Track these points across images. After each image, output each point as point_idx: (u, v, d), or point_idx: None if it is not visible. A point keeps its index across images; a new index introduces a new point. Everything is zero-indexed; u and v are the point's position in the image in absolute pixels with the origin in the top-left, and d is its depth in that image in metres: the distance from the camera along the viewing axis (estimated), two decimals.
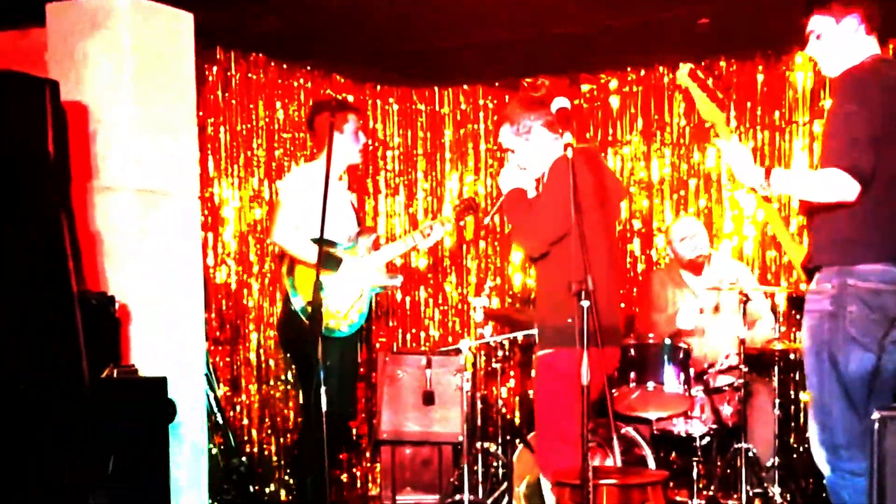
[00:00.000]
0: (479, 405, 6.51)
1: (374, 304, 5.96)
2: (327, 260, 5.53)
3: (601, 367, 4.13)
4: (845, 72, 3.94)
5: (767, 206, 4.27)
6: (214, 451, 5.93)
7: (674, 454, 6.26)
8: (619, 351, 4.97)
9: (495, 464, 6.54)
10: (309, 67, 7.27)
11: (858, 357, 3.88)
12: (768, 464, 5.81)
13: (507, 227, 4.80)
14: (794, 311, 6.89)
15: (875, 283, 3.84)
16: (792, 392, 6.85)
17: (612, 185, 4.82)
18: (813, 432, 4.05)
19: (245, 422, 6.83)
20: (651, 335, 5.87)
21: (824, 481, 4.10)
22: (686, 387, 5.59)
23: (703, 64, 6.97)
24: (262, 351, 6.95)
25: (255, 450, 6.86)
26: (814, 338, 3.97)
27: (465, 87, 7.98)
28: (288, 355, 6.35)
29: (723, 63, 7.12)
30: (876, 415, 3.77)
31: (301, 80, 7.26)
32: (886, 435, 3.73)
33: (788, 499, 5.74)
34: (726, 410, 5.82)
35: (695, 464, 5.68)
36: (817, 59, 4.12)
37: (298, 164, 6.94)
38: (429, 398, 6.55)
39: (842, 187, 3.77)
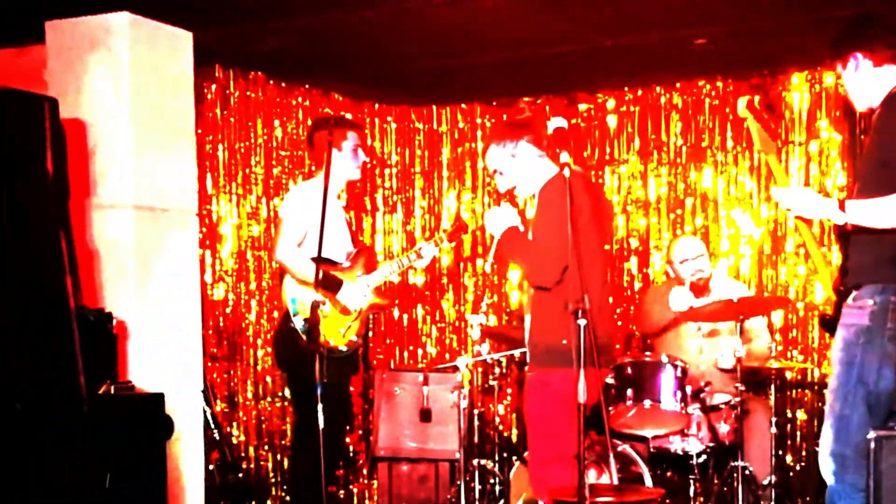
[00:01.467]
0: (475, 422, 6.52)
1: (371, 324, 5.96)
2: (328, 280, 5.54)
3: (596, 386, 4.15)
4: (883, 99, 4.02)
5: (803, 226, 4.30)
6: (211, 466, 5.93)
7: (670, 472, 6.25)
8: (614, 369, 4.98)
9: (492, 481, 6.53)
10: (307, 86, 7.30)
11: (890, 375, 3.93)
12: (765, 482, 5.81)
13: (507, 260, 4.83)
14: (791, 330, 6.91)
15: None
16: (789, 410, 6.86)
17: (604, 206, 4.85)
18: (825, 442, 4.08)
19: (242, 438, 6.83)
20: (647, 353, 5.87)
21: (826, 493, 4.12)
22: (683, 405, 5.58)
23: (755, 84, 7.00)
24: (259, 367, 6.95)
25: (252, 466, 6.85)
26: (847, 350, 4.02)
27: (463, 105, 8.01)
28: (284, 373, 6.35)
29: (720, 83, 7.16)
30: (872, 434, 3.79)
31: (299, 99, 7.28)
32: (882, 455, 3.76)
33: None
34: (723, 428, 5.82)
35: (691, 482, 5.68)
36: (847, 89, 4.23)
37: (297, 182, 6.97)
38: (426, 415, 6.55)
39: None
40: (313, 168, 6.10)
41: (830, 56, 4.27)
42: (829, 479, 4.07)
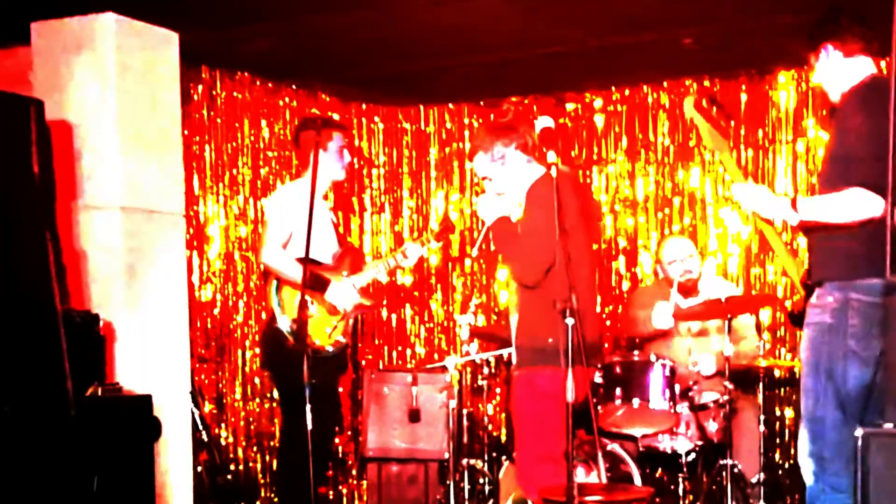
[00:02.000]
0: (465, 422, 6.52)
1: (359, 324, 5.96)
2: (315, 280, 5.53)
3: (583, 385, 4.15)
4: (848, 91, 4.03)
5: (764, 224, 4.30)
6: (199, 468, 5.91)
7: (659, 471, 6.26)
8: (602, 368, 4.99)
9: (481, 481, 6.54)
10: (294, 86, 7.29)
11: (857, 371, 3.92)
12: (753, 480, 5.82)
13: (494, 250, 4.79)
14: (779, 328, 6.92)
15: (877, 298, 3.88)
16: (777, 409, 6.87)
17: (592, 206, 4.85)
18: (803, 443, 4.08)
19: (230, 439, 6.82)
20: (636, 352, 5.87)
21: (806, 494, 4.13)
22: (671, 403, 5.59)
23: (700, 86, 7.01)
24: (247, 369, 6.94)
25: (241, 467, 6.84)
26: (813, 350, 4.02)
27: (451, 105, 8.01)
28: (271, 373, 6.34)
29: (707, 82, 7.17)
30: (859, 431, 3.79)
31: (286, 99, 7.27)
32: (870, 453, 3.76)
33: None
34: (712, 427, 5.83)
35: (680, 480, 5.68)
36: (820, 79, 4.24)
37: (284, 183, 6.95)
38: (415, 415, 6.55)
39: (867, 204, 3.83)
40: (299, 168, 6.10)
41: (806, 49, 4.29)
42: (809, 479, 4.08)
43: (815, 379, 4.01)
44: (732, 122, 6.95)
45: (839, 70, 4.14)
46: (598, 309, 6.27)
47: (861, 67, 4.11)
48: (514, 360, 4.74)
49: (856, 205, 3.85)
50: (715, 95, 6.69)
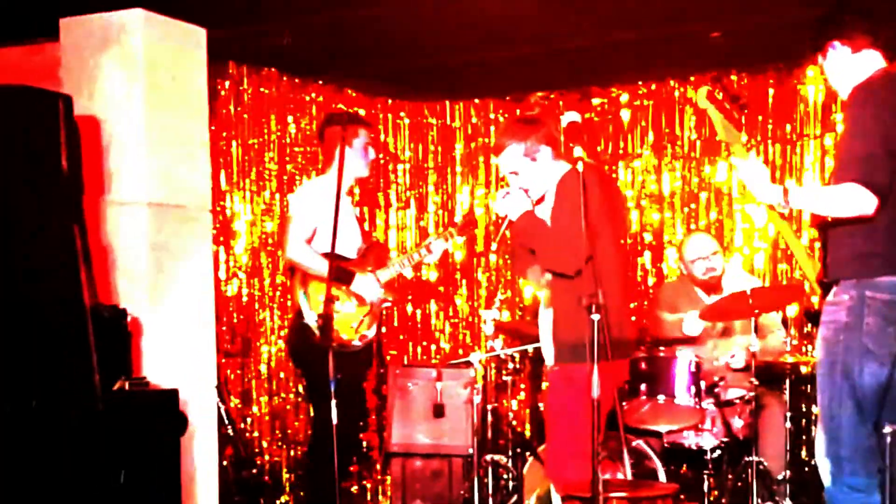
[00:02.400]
0: (489, 418, 6.51)
1: (384, 318, 5.97)
2: (340, 275, 5.55)
3: (613, 381, 4.14)
4: (857, 86, 3.98)
5: (780, 221, 4.28)
6: (225, 462, 5.94)
7: (684, 467, 6.24)
8: (629, 363, 4.97)
9: (505, 476, 6.53)
10: (321, 82, 7.31)
11: (873, 369, 3.88)
12: (779, 477, 5.79)
13: (522, 245, 4.78)
14: (806, 324, 6.88)
15: (893, 296, 3.85)
16: (803, 405, 6.84)
17: (619, 200, 4.83)
18: (819, 443, 4.06)
19: (256, 434, 6.85)
20: (662, 348, 5.86)
21: (824, 494, 4.11)
22: (697, 399, 5.57)
23: (714, 76, 6.96)
24: (273, 363, 6.97)
25: (266, 462, 6.87)
26: (828, 349, 3.98)
27: (476, 101, 8.00)
28: (298, 368, 6.36)
29: (734, 77, 7.13)
30: (888, 429, 3.77)
31: (313, 95, 7.29)
32: None
33: None
34: (737, 423, 5.80)
35: (705, 477, 5.66)
36: (829, 78, 4.20)
37: (310, 178, 6.97)
38: (439, 411, 6.55)
39: (859, 201, 3.79)
40: (324, 163, 6.11)
41: (811, 48, 4.25)
42: (827, 480, 4.03)
43: (831, 378, 3.97)
44: (745, 111, 6.92)
45: (848, 66, 4.10)
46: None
47: (870, 62, 4.06)
48: (547, 356, 4.72)
49: (847, 201, 3.82)
50: (728, 86, 6.66)
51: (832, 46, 4.12)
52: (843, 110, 4.13)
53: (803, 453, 6.79)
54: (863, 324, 3.88)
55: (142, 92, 5.08)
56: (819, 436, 4.06)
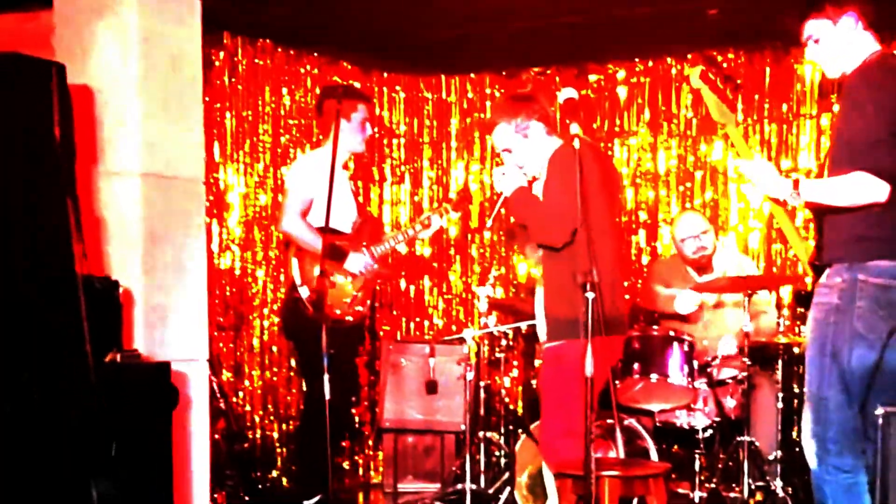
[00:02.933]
0: (481, 394, 6.51)
1: (377, 294, 5.95)
2: (334, 253, 5.53)
3: (606, 359, 4.13)
4: (855, 70, 3.95)
5: (775, 205, 4.26)
6: (217, 436, 5.93)
7: (676, 446, 6.25)
8: (623, 341, 4.97)
9: (497, 453, 6.54)
10: (316, 54, 7.26)
11: (862, 353, 3.88)
12: (770, 457, 5.81)
13: (514, 220, 4.78)
14: (798, 305, 6.88)
15: (886, 280, 3.84)
16: (795, 386, 6.84)
17: (614, 177, 4.82)
18: (806, 424, 4.06)
19: (248, 408, 6.84)
20: (655, 327, 5.85)
21: (811, 476, 4.11)
22: (690, 379, 5.58)
23: (707, 56, 6.94)
24: (265, 337, 6.95)
25: (258, 436, 6.86)
26: (818, 330, 3.98)
27: (472, 75, 7.96)
28: (291, 343, 6.35)
29: (731, 55, 7.10)
30: (880, 410, 3.77)
31: (308, 67, 7.24)
32: (891, 432, 3.74)
33: (790, 492, 5.74)
34: (729, 403, 5.81)
35: (697, 456, 5.67)
36: (819, 63, 4.16)
37: (304, 151, 6.93)
38: (432, 387, 6.56)
39: (872, 190, 3.78)
40: (320, 137, 6.08)
41: (796, 43, 4.20)
42: (813, 461, 4.04)
43: (820, 359, 3.97)
44: (740, 91, 6.90)
45: (832, 41, 4.03)
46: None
47: (866, 44, 4.02)
48: (540, 334, 4.72)
49: (859, 189, 3.80)
50: (721, 66, 6.64)
51: (806, 29, 4.08)
52: (842, 93, 4.09)
53: (794, 434, 6.79)
54: (854, 307, 3.88)
55: (136, 61, 5.03)
56: (805, 417, 4.06)
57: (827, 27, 4.03)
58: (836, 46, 4.03)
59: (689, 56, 7.22)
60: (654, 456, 5.52)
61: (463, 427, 6.38)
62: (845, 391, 3.92)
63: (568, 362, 4.40)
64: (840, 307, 3.91)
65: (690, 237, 6.15)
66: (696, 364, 5.63)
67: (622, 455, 4.96)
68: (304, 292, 5.49)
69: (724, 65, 6.95)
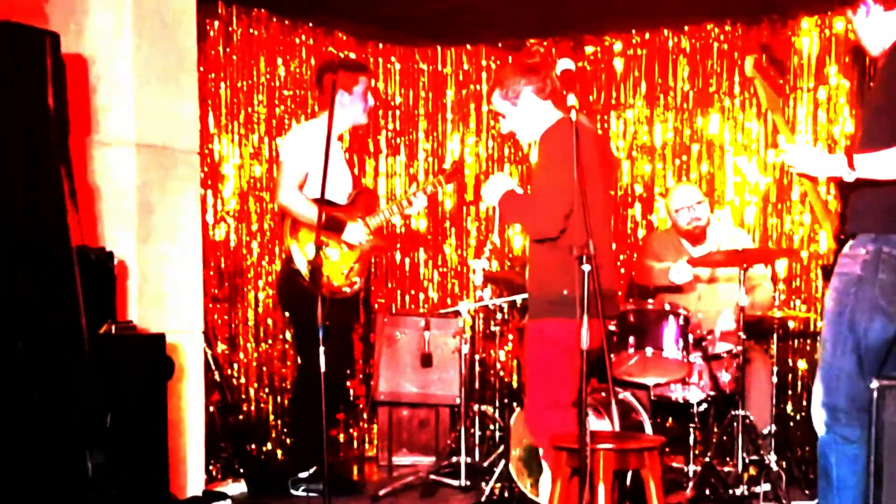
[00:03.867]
0: (477, 368, 6.51)
1: (373, 266, 5.94)
2: (331, 222, 5.52)
3: (597, 335, 4.13)
4: (893, 44, 3.95)
5: (807, 181, 4.28)
6: (211, 408, 5.93)
7: (671, 420, 6.26)
8: (609, 322, 4.99)
9: (492, 427, 6.55)
10: (311, 24, 7.21)
11: (881, 325, 3.90)
12: (765, 431, 5.82)
13: (509, 223, 4.82)
14: (794, 279, 6.88)
15: None
16: (790, 360, 6.85)
17: (607, 153, 4.83)
18: (817, 392, 4.08)
19: (242, 380, 6.83)
20: (650, 301, 5.85)
21: (818, 443, 4.13)
22: (685, 353, 5.57)
23: (761, 44, 6.89)
24: (260, 309, 6.94)
25: (253, 408, 6.86)
26: (838, 300, 4.00)
27: (468, 47, 7.92)
28: (287, 315, 6.34)
29: (728, 27, 7.07)
30: (875, 384, 3.78)
31: (303, 37, 7.20)
32: (885, 405, 3.75)
33: (784, 466, 5.75)
34: (724, 377, 5.81)
35: (691, 430, 5.68)
36: (862, 38, 4.16)
37: (299, 122, 6.89)
38: (427, 360, 6.55)
39: None
40: (317, 108, 6.05)
41: (841, 2, 4.21)
42: (821, 429, 4.08)
43: (837, 328, 3.99)
44: (787, 73, 6.88)
45: (880, 24, 4.07)
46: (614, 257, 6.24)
47: None
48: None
49: None
50: (774, 54, 6.62)
51: (864, 3, 4.09)
52: (880, 67, 4.09)
53: (789, 408, 6.82)
54: (876, 278, 3.89)
55: (130, 31, 5.00)
56: (816, 385, 4.09)
57: (879, 11, 4.07)
58: (872, 30, 4.09)
59: (686, 28, 7.18)
60: (648, 429, 5.52)
61: (458, 400, 6.39)
62: (859, 362, 3.95)
63: (551, 338, 4.44)
64: (862, 278, 3.92)
65: (685, 207, 6.15)
66: (691, 338, 5.63)
67: (617, 428, 4.96)
68: (301, 264, 5.48)
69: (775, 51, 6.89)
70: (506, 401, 6.63)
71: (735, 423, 5.56)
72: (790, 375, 6.85)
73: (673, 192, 6.36)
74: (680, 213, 6.18)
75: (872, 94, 4.13)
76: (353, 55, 7.38)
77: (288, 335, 6.94)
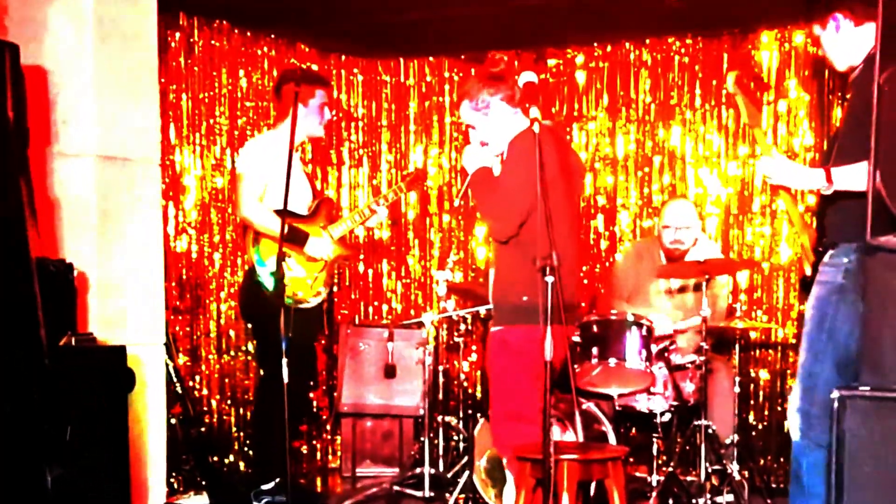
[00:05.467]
0: (440, 379, 6.51)
1: (336, 277, 5.93)
2: (294, 233, 5.50)
3: (561, 344, 4.14)
4: (866, 57, 3.99)
5: (785, 194, 4.33)
6: (173, 420, 5.88)
7: (634, 430, 6.28)
8: (574, 330, 5.01)
9: (456, 437, 6.54)
10: (273, 36, 7.20)
11: (861, 334, 3.92)
12: (727, 441, 5.85)
13: (472, 202, 4.82)
14: (755, 290, 6.93)
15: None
16: (752, 370, 6.90)
17: (574, 162, 4.83)
18: (794, 398, 4.12)
19: (204, 392, 6.79)
20: (613, 311, 5.87)
21: (782, 458, 4.16)
22: (648, 363, 5.59)
23: (742, 61, 6.94)
24: (222, 321, 6.90)
25: (215, 420, 6.82)
26: (819, 307, 4.03)
27: (431, 59, 7.93)
28: (249, 326, 6.31)
29: (689, 41, 7.12)
30: (836, 393, 3.80)
31: (265, 49, 7.18)
32: (846, 415, 3.77)
33: (746, 475, 5.79)
34: (688, 388, 5.84)
35: (655, 440, 5.70)
36: (826, 50, 4.19)
37: (262, 133, 6.87)
38: (390, 371, 6.54)
39: None
40: (276, 119, 6.03)
41: (806, 18, 4.25)
42: (796, 434, 4.11)
43: (817, 335, 4.03)
44: (767, 89, 6.94)
45: (850, 40, 4.10)
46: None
47: (871, 35, 4.06)
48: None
49: None
50: (755, 70, 6.68)
51: (834, 19, 4.11)
52: (851, 82, 4.14)
53: (751, 418, 6.86)
54: (858, 287, 3.91)
55: (90, 43, 4.96)
56: (794, 391, 4.13)
57: (849, 27, 4.10)
58: (851, 45, 4.11)
59: (648, 41, 7.23)
60: (612, 440, 5.54)
61: (421, 411, 6.38)
62: (837, 370, 3.98)
63: (513, 346, 4.44)
64: (844, 286, 3.97)
65: (672, 227, 6.17)
66: (654, 348, 5.66)
67: (581, 439, 4.97)
68: (264, 275, 5.46)
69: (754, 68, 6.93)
70: (469, 411, 6.62)
71: (698, 433, 5.59)
72: (752, 385, 6.90)
73: (667, 205, 6.36)
74: (666, 231, 6.20)
75: (851, 106, 4.16)
76: (315, 67, 7.37)
77: (250, 346, 6.91)
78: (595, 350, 5.58)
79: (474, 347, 7.43)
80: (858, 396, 3.65)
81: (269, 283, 5.46)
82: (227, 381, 6.92)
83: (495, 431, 4.72)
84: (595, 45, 7.42)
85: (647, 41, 7.25)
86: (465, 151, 4.73)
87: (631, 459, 5.91)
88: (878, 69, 3.16)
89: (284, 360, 4.39)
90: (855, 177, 3.93)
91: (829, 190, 3.99)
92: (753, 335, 6.86)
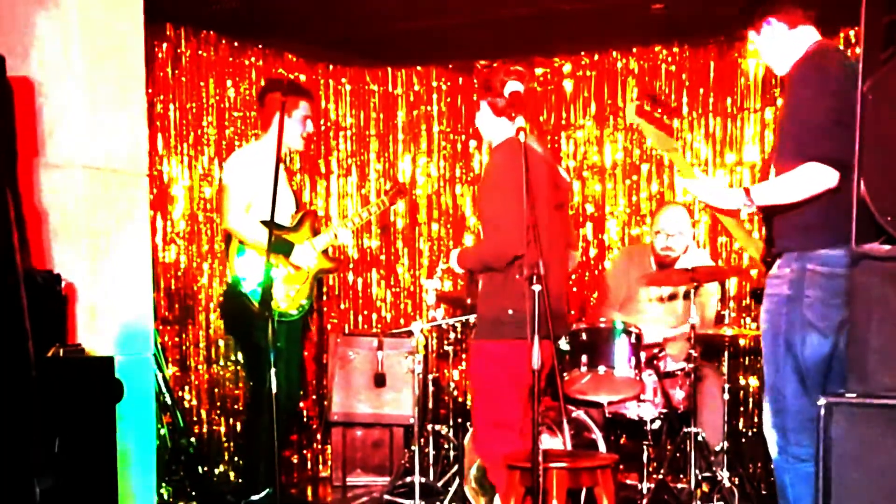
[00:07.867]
0: (430, 387, 6.51)
1: (321, 287, 5.93)
2: (280, 244, 5.50)
3: (545, 354, 4.15)
4: (797, 61, 3.99)
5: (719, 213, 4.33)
6: (163, 431, 5.87)
7: (624, 438, 6.29)
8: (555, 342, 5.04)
9: (446, 446, 6.54)
10: (261, 46, 7.20)
11: (815, 342, 3.92)
12: (717, 448, 5.86)
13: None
14: (745, 297, 6.94)
15: (833, 268, 3.88)
16: (741, 378, 6.91)
17: (556, 173, 4.86)
18: (766, 415, 4.10)
19: (194, 402, 6.78)
20: (602, 319, 5.87)
21: (772, 465, 4.16)
22: (637, 371, 5.60)
23: (639, 88, 6.99)
24: (211, 331, 6.89)
25: (204, 430, 6.81)
26: (771, 322, 4.02)
27: (419, 68, 7.94)
28: (232, 337, 6.30)
29: (675, 49, 7.15)
30: (822, 401, 3.80)
31: (252, 59, 7.18)
32: (832, 422, 3.77)
33: (736, 482, 5.79)
34: (678, 395, 5.85)
35: (645, 447, 5.71)
36: (763, 55, 4.23)
37: (249, 143, 6.87)
38: (380, 380, 6.54)
39: (821, 178, 3.83)
40: (259, 128, 6.04)
41: (743, 24, 4.26)
42: (774, 452, 4.10)
43: (775, 350, 4.02)
44: (675, 109, 6.96)
45: (784, 42, 4.11)
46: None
47: (805, 36, 4.08)
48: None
49: (810, 181, 3.85)
50: (656, 95, 6.67)
51: (767, 23, 4.13)
52: (785, 87, 4.14)
53: (741, 425, 6.87)
54: (804, 296, 3.92)
55: (77, 53, 4.95)
56: (765, 408, 4.11)
57: (765, 35, 4.13)
58: (777, 50, 4.13)
59: (635, 50, 7.25)
60: (602, 447, 5.54)
61: (412, 420, 6.37)
62: (801, 381, 3.97)
63: (493, 356, 4.46)
64: (791, 297, 3.95)
65: (663, 233, 6.18)
66: (643, 356, 5.66)
67: (570, 447, 4.97)
68: (249, 287, 5.46)
69: (655, 92, 6.96)
70: (460, 420, 6.62)
71: (688, 440, 5.60)
72: (742, 393, 6.91)
73: (661, 211, 6.35)
74: (658, 237, 6.21)
75: (781, 113, 4.19)
76: (303, 77, 7.37)
77: (240, 356, 6.90)
78: (584, 358, 5.58)
79: (464, 356, 7.43)
80: (845, 404, 3.66)
81: (253, 294, 5.45)
82: (216, 391, 6.91)
83: (479, 441, 4.72)
84: (582, 53, 7.45)
85: (634, 50, 7.28)
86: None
87: (621, 467, 5.91)
88: (861, 77, 3.16)
89: (272, 371, 4.38)
90: (775, 192, 3.97)
91: (751, 208, 4.02)
92: (742, 342, 6.86)
